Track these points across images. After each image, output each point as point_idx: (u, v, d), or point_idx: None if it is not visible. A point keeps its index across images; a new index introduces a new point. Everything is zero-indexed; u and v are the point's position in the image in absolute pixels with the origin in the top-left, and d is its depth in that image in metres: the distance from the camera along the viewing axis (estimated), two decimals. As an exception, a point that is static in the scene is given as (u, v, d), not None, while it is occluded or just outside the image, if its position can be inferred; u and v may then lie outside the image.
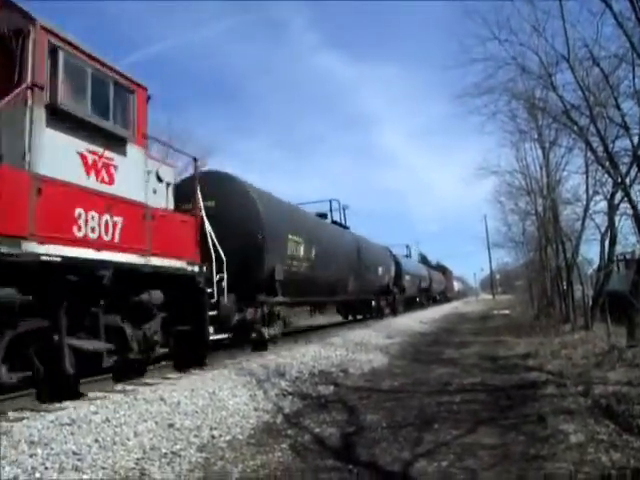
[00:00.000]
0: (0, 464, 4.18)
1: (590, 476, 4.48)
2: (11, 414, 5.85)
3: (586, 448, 5.14)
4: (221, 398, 7.18)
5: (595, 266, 18.84)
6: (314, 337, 15.03)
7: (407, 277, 30.23)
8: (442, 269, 59.70)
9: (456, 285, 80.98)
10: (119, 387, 7.44)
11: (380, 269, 23.75)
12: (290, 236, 13.15)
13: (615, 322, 13.00)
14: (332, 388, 9.07)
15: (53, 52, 6.37)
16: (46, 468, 4.33)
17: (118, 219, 7.09)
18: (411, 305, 34.90)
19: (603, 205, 15.39)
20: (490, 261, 69.70)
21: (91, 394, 6.90)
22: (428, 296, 43.34)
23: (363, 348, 13.83)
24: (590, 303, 15.87)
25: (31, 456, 4.45)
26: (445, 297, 59.48)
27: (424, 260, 54.37)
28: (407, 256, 37.41)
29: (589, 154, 13.92)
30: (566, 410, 6.59)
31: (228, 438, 6.03)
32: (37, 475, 4.18)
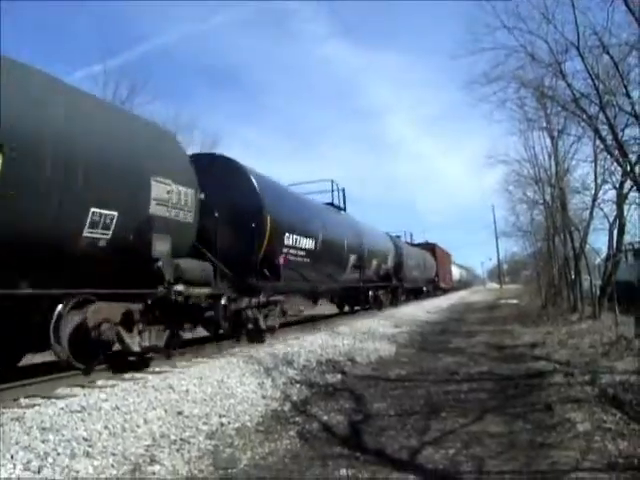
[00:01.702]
0: None
1: (597, 464, 4.49)
2: (23, 401, 5.95)
3: (593, 437, 5.16)
4: (229, 386, 7.24)
5: (603, 255, 18.79)
6: (322, 325, 15.06)
7: (303, 242, 13.02)
8: (429, 247, 41.04)
9: (457, 272, 64.53)
10: (128, 375, 7.51)
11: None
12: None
13: (623, 312, 12.97)
14: (339, 376, 9.12)
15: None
16: (58, 454, 4.38)
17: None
18: (368, 307, 21.11)
19: (612, 194, 15.32)
20: (498, 250, 69.23)
21: (100, 382, 6.97)
22: (394, 288, 24.50)
23: (370, 337, 13.86)
24: (598, 293, 15.84)
25: (43, 442, 4.51)
26: (437, 288, 42.62)
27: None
28: (337, 208, 18.23)
29: (598, 143, 13.83)
30: (573, 399, 6.60)
31: (237, 425, 6.08)
32: (50, 460, 4.24)
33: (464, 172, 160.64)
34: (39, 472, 4.07)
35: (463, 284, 74.06)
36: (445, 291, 48.91)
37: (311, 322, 16.28)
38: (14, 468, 4.03)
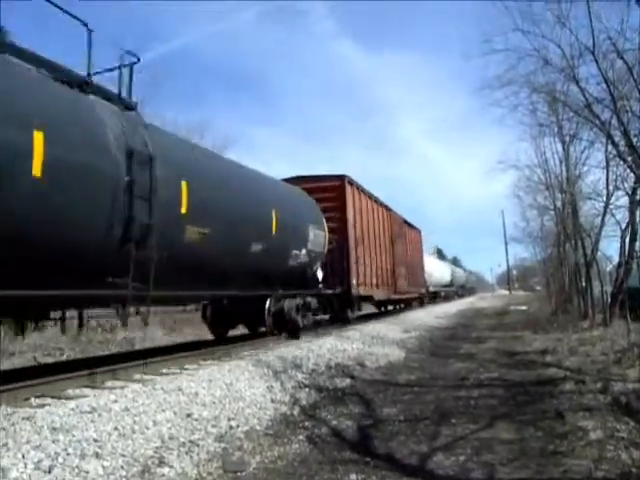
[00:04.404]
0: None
1: (609, 473, 4.43)
2: (34, 400, 5.97)
3: (605, 445, 5.09)
4: (238, 389, 7.23)
5: (615, 262, 18.63)
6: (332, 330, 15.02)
7: None
8: (324, 184, 15.44)
9: (442, 270, 45.02)
10: (137, 377, 7.52)
11: None
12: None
13: (635, 319, 12.86)
14: (349, 381, 9.09)
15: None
16: (68, 454, 4.39)
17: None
18: None
19: (624, 201, 15.20)
20: (507, 256, 68.99)
21: (110, 383, 7.00)
22: None
23: (380, 342, 13.82)
24: (609, 300, 15.70)
25: (54, 442, 4.51)
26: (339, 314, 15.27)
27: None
28: None
29: (610, 148, 13.70)
30: (585, 407, 6.53)
31: (246, 429, 6.07)
32: (60, 460, 4.25)
33: (472, 176, 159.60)
34: (50, 472, 4.07)
35: (460, 290, 58.01)
36: (401, 306, 25.62)
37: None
38: (25, 467, 4.04)
